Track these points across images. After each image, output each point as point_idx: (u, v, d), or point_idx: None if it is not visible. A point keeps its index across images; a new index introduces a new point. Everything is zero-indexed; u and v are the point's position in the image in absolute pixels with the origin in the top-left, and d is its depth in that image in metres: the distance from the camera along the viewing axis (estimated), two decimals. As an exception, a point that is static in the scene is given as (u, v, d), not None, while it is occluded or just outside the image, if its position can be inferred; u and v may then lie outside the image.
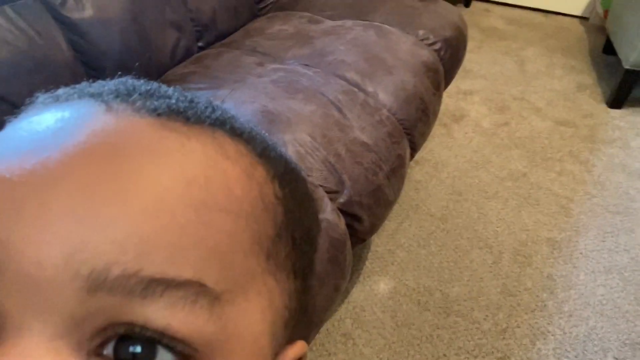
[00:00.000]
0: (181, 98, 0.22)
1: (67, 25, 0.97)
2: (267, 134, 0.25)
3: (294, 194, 0.23)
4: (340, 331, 1.03)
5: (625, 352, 1.01)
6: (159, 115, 0.20)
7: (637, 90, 1.82)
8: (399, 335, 1.03)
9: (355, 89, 1.02)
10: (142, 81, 0.23)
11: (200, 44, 1.25)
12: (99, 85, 0.22)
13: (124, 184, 0.17)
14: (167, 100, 0.21)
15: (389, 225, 1.27)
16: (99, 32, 1.01)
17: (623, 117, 1.73)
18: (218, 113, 0.22)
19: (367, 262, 1.18)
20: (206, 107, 0.22)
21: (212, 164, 0.19)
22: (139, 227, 0.17)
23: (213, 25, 1.27)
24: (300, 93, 0.97)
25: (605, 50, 2.10)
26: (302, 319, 0.24)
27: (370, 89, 1.03)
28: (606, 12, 2.17)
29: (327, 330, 1.03)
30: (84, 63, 0.99)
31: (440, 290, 1.13)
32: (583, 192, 1.41)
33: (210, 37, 1.27)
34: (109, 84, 0.22)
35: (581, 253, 1.23)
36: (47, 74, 0.92)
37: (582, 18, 2.45)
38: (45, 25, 0.93)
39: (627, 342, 1.03)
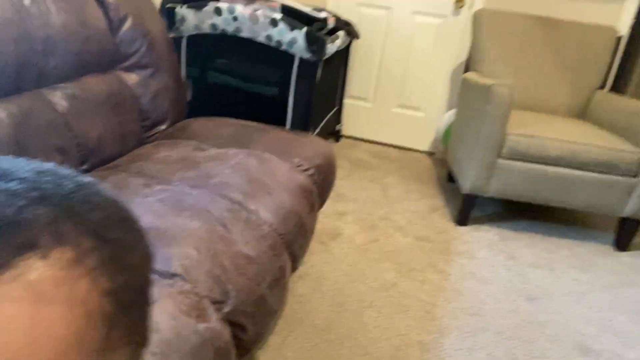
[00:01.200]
0: None
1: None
2: (96, 189, 0.24)
3: (122, 264, 0.24)
4: None
5: None
6: None
7: (475, 211, 2.19)
8: None
9: (239, 207, 1.12)
10: None
11: (84, 167, 1.27)
12: None
13: None
14: None
15: (275, 339, 1.30)
16: (-24, 153, 1.01)
17: (468, 233, 2.05)
18: (28, 235, 0.20)
19: (252, 379, 1.17)
20: (13, 233, 0.20)
21: (30, 323, 0.19)
22: None
23: (99, 150, 1.32)
24: (187, 211, 1.04)
25: (449, 179, 2.52)
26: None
27: (252, 207, 1.14)
28: (446, 148, 2.66)
29: None
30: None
31: (326, 402, 1.15)
32: (443, 298, 1.60)
33: (96, 160, 1.31)
34: None
35: (447, 353, 1.36)
36: None
37: (429, 153, 2.95)
38: None
39: None
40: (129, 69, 1.46)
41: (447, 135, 2.70)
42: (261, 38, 2.03)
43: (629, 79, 2.79)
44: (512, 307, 1.60)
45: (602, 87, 2.44)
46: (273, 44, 2.02)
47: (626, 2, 2.52)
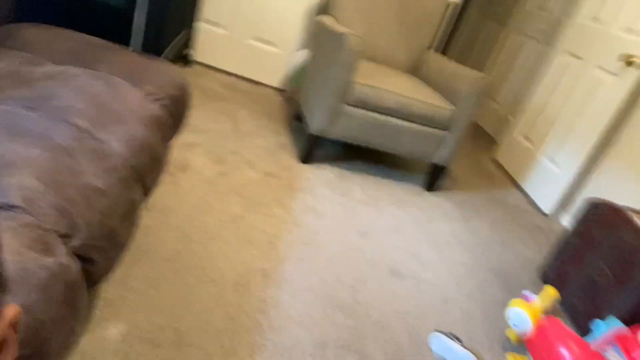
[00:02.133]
0: None
1: None
2: None
3: None
4: (69, 384, 0.98)
5: (317, 351, 1.31)
6: None
7: (318, 150, 2.37)
8: (134, 375, 1.06)
9: (87, 136, 1.04)
10: None
11: None
12: None
13: None
14: None
15: (120, 271, 1.29)
16: None
17: (311, 171, 2.22)
18: None
19: (97, 311, 1.16)
20: None
21: None
22: None
23: None
24: (25, 136, 0.94)
25: (296, 117, 2.65)
26: None
27: (102, 136, 1.07)
28: (296, 87, 2.75)
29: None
30: None
31: (172, 326, 1.21)
32: (285, 230, 1.75)
33: None
34: None
35: (285, 278, 1.52)
36: None
37: (280, 89, 3.02)
38: None
39: (318, 343, 1.34)
40: None
41: (298, 75, 2.79)
42: (107, -61, 1.77)
43: (452, 43, 3.21)
44: (342, 239, 1.83)
45: (430, 47, 2.77)
46: (122, -52, 1.79)
47: (461, -26, 2.83)
